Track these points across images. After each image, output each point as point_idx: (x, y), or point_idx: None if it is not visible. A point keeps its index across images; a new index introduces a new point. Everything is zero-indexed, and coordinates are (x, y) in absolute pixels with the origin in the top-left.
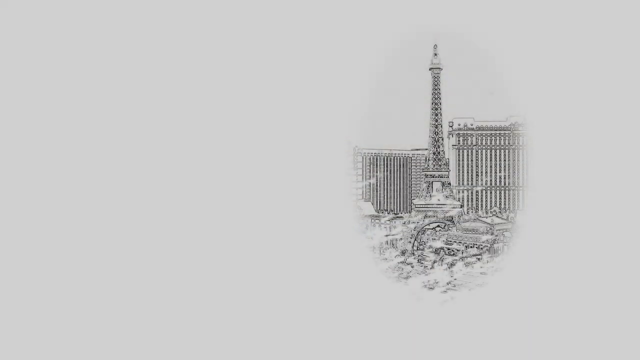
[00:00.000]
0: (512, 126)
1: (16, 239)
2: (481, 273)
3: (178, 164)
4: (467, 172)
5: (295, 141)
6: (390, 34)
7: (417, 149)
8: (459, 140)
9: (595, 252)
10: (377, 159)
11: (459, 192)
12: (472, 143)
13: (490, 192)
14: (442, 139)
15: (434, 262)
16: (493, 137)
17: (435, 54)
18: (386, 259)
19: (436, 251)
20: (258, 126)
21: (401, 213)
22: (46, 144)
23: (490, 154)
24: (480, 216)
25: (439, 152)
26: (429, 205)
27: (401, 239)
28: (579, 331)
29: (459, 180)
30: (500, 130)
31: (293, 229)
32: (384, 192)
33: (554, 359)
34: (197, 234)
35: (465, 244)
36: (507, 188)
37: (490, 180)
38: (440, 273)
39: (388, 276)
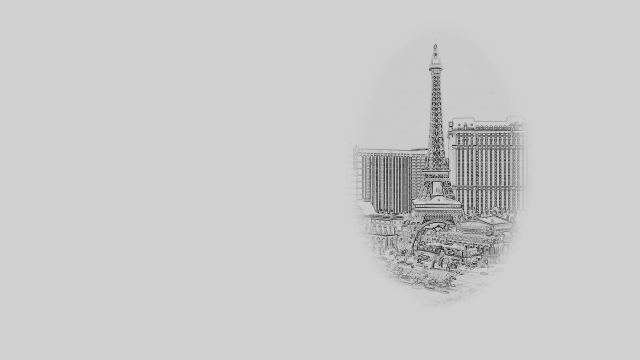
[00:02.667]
0: (512, 126)
1: (17, 240)
2: (481, 273)
3: (179, 163)
4: (467, 172)
5: (296, 141)
6: (390, 34)
7: (417, 149)
8: (459, 140)
9: (595, 252)
10: (377, 159)
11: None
12: (472, 143)
13: (490, 192)
14: (442, 139)
15: (434, 262)
16: (493, 137)
17: (435, 54)
18: (386, 259)
19: (436, 251)
20: (259, 126)
21: (401, 213)
22: (46, 144)
23: (490, 154)
24: (480, 216)
25: (439, 152)
26: (429, 205)
27: (401, 239)
28: (578, 331)
29: (459, 180)
30: (500, 130)
31: (293, 228)
32: (384, 192)
33: (554, 359)
34: (197, 233)
35: (465, 244)
36: (507, 188)
37: (490, 180)
38: (440, 273)
39: (388, 276)
